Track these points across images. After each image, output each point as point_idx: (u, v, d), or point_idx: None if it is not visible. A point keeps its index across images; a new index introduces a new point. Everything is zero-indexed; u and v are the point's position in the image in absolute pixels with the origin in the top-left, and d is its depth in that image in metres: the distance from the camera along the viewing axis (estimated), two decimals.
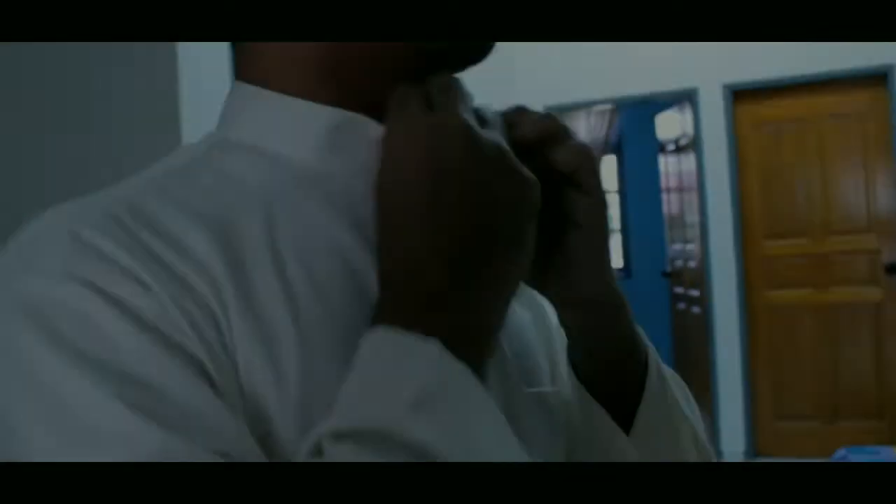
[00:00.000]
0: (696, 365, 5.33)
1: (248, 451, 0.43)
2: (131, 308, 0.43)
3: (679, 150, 5.45)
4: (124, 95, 2.78)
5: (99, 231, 0.46)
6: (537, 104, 5.34)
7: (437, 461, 0.41)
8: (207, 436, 0.41)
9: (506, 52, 0.52)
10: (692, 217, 5.25)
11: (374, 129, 0.54)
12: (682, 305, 5.65)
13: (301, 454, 0.43)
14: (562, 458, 0.61)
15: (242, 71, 0.57)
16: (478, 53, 0.55)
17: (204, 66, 2.81)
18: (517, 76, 5.23)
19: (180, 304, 0.44)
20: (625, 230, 8.08)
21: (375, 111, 0.53)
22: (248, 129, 0.55)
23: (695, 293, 5.32)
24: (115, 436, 0.41)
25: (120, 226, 0.46)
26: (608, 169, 8.00)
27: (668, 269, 5.91)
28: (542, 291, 0.61)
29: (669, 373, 0.65)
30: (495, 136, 0.50)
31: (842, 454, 3.71)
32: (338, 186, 0.54)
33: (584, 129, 7.35)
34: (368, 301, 0.50)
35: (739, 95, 5.01)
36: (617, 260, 8.13)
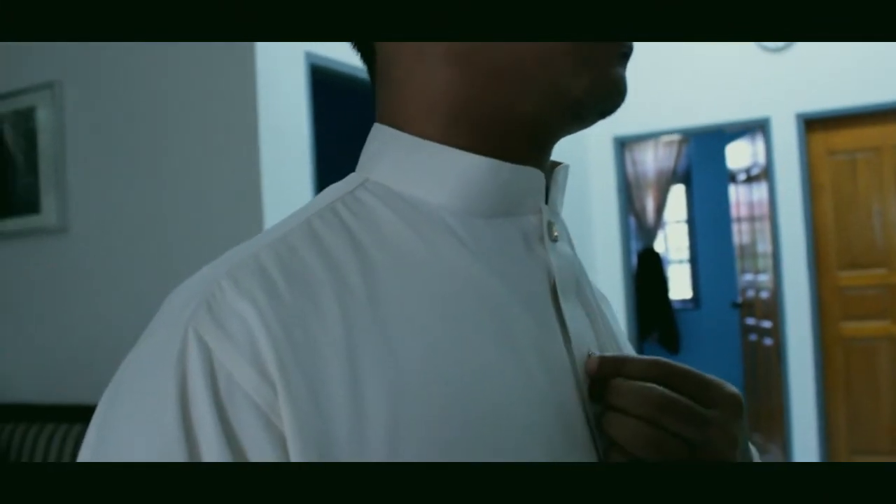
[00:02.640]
0: (768, 398, 5.23)
1: None
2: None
3: (750, 179, 5.38)
4: (202, 96, 2.84)
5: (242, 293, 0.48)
6: (607, 135, 5.34)
7: None
8: None
9: None
10: (764, 247, 5.17)
11: (538, 179, 0.57)
12: (753, 337, 5.54)
13: None
14: None
15: (382, 113, 0.59)
16: (612, 104, 0.55)
17: (281, 88, 2.86)
18: None
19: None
20: (693, 260, 7.99)
21: (510, 160, 0.55)
22: (395, 174, 0.56)
23: (767, 324, 5.22)
24: None
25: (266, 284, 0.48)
26: (677, 198, 7.92)
27: (739, 299, 5.81)
28: None
29: None
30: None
31: None
32: (493, 237, 0.54)
33: (653, 158, 7.30)
34: (518, 354, 0.51)
35: (811, 124, 4.94)
36: (685, 290, 8.03)
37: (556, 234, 0.58)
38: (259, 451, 0.44)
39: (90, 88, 3.05)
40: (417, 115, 0.56)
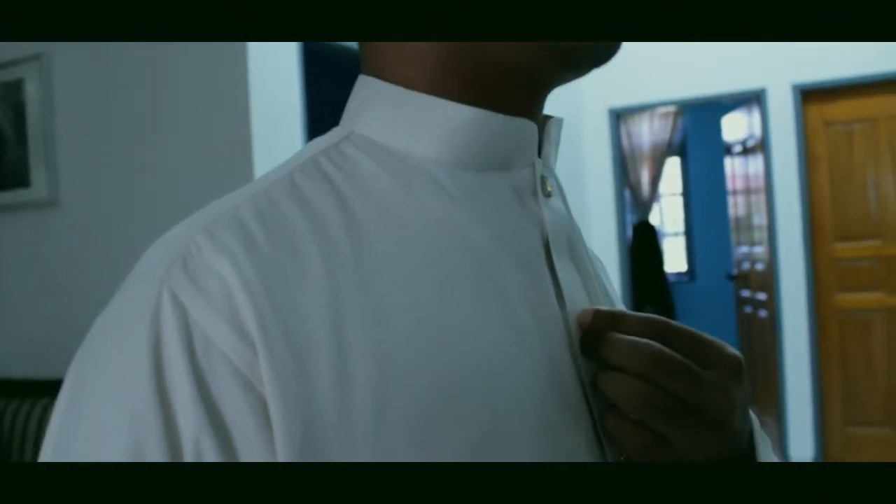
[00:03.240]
0: (763, 369, 5.24)
1: None
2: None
3: (746, 151, 5.37)
4: (199, 123, 2.82)
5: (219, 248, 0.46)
6: (602, 107, 5.32)
7: None
8: None
9: None
10: (759, 219, 5.17)
11: (531, 131, 0.55)
12: (748, 309, 5.56)
13: None
14: None
15: (368, 64, 0.57)
16: (605, 54, 0.53)
17: (272, 64, 2.83)
18: (583, 79, 5.19)
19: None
20: (689, 233, 7.99)
21: (501, 111, 0.53)
22: (380, 126, 0.54)
23: (762, 296, 5.23)
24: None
25: (244, 238, 0.46)
26: (673, 170, 7.91)
27: (734, 271, 5.81)
28: None
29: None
30: None
31: None
32: (485, 189, 0.53)
33: (648, 131, 7.28)
34: (509, 308, 0.49)
35: (808, 95, 4.92)
36: (681, 263, 8.03)
37: (549, 188, 0.56)
38: (237, 414, 0.42)
39: (79, 60, 3.02)
40: (403, 65, 0.54)
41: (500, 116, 0.53)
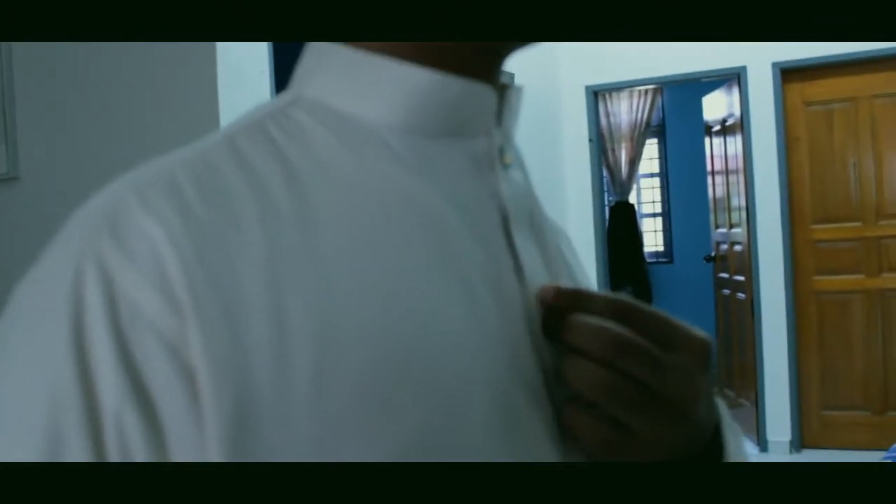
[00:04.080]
0: (741, 353, 5.25)
1: None
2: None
3: (725, 130, 5.35)
4: (163, 94, 2.77)
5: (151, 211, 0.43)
6: (580, 84, 5.29)
7: None
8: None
9: None
10: (738, 200, 5.15)
11: (489, 98, 0.52)
12: (726, 291, 5.56)
13: None
14: None
15: None
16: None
17: (243, 64, 2.79)
18: (560, 56, 5.21)
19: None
20: (667, 213, 7.98)
21: (457, 74, 0.51)
22: (330, 89, 0.52)
23: (740, 278, 5.22)
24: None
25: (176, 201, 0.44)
26: (651, 151, 7.88)
27: (713, 253, 5.81)
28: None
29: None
30: None
31: None
32: (437, 155, 0.51)
33: (627, 110, 7.23)
34: (465, 282, 0.47)
35: (788, 74, 4.90)
36: (659, 244, 8.02)
37: (508, 159, 0.54)
38: (163, 385, 0.39)
39: None
40: None
41: (459, 80, 0.50)
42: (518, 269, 0.51)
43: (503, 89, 0.55)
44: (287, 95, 0.53)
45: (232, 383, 0.40)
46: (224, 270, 0.42)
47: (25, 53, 2.99)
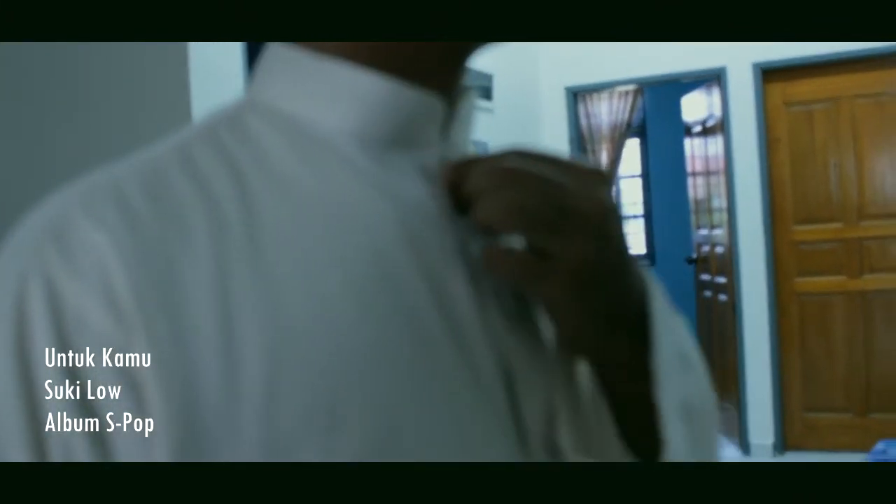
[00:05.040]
0: (723, 355, 5.24)
1: None
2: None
3: (706, 131, 5.36)
4: (135, 94, 2.74)
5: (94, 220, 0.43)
6: (559, 86, 5.30)
7: None
8: None
9: None
10: (719, 201, 5.16)
11: (435, 109, 0.52)
12: (708, 293, 5.57)
13: None
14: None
15: None
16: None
17: (215, 65, 2.79)
18: (540, 56, 5.22)
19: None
20: (648, 215, 8.00)
21: (415, 80, 0.50)
22: (285, 94, 0.51)
23: (722, 280, 5.23)
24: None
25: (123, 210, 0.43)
26: (632, 152, 7.88)
27: (694, 255, 5.81)
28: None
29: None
30: None
31: (881, 448, 3.57)
32: (390, 165, 0.50)
33: (607, 110, 7.22)
34: (404, 292, 0.47)
35: (769, 75, 4.90)
36: (640, 246, 8.03)
37: None
38: (112, 404, 0.39)
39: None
40: None
41: (410, 89, 0.51)
42: (473, 273, 0.50)
43: (464, 92, 0.55)
44: (243, 100, 0.53)
45: (179, 392, 0.40)
46: (171, 281, 0.42)
47: None
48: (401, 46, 0.50)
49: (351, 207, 0.48)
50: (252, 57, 2.97)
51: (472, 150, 0.57)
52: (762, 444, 4.91)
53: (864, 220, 4.81)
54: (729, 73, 4.93)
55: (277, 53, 0.53)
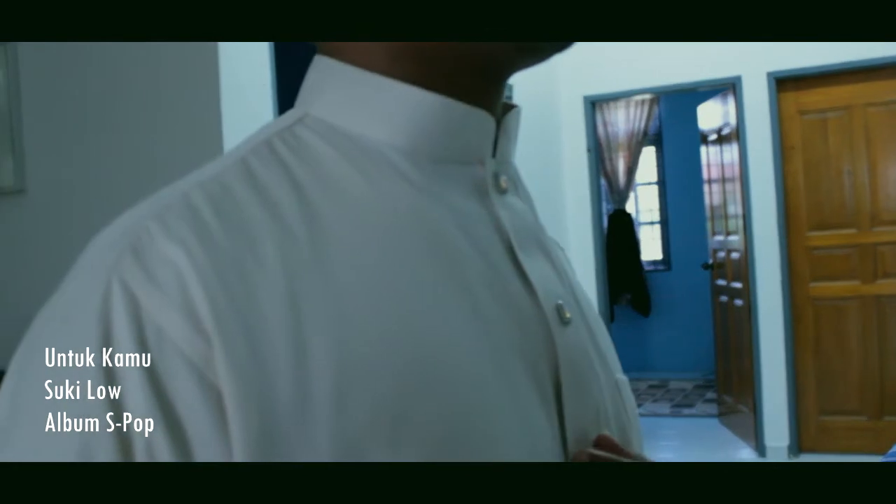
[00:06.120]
0: (739, 358, 5.26)
1: None
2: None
3: (721, 139, 5.37)
4: (168, 107, 2.79)
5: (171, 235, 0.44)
6: (577, 95, 5.30)
7: None
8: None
9: None
10: (734, 208, 5.17)
11: (488, 123, 0.53)
12: (724, 298, 5.57)
13: None
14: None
15: (324, 45, 0.55)
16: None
17: (244, 62, 2.80)
18: (558, 66, 5.22)
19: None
20: (664, 222, 8.00)
21: (459, 97, 0.51)
22: (336, 108, 0.52)
23: (737, 285, 5.24)
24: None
25: (196, 223, 0.44)
26: (648, 159, 7.91)
27: (710, 261, 5.82)
28: None
29: None
30: None
31: (895, 451, 3.61)
32: (436, 180, 0.51)
33: (623, 119, 7.27)
34: (465, 281, 0.48)
35: (783, 84, 4.92)
36: (656, 252, 8.05)
37: (503, 185, 0.54)
38: (191, 407, 0.40)
39: (45, 47, 2.97)
40: (361, 46, 0.52)
41: (461, 105, 0.51)
42: (528, 286, 0.52)
43: (504, 110, 0.56)
44: (293, 113, 0.54)
45: (256, 403, 0.40)
46: (244, 294, 0.42)
47: (32, 67, 3.00)
48: (442, 64, 0.50)
49: (409, 217, 0.49)
50: (279, 55, 3.01)
51: (515, 165, 0.58)
52: (777, 446, 4.93)
53: (877, 226, 4.83)
54: (744, 82, 4.95)
55: (327, 68, 0.53)
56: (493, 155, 0.54)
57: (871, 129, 4.81)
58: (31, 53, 3.00)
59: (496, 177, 0.54)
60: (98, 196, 2.90)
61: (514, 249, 0.53)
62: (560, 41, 0.50)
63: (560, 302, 0.53)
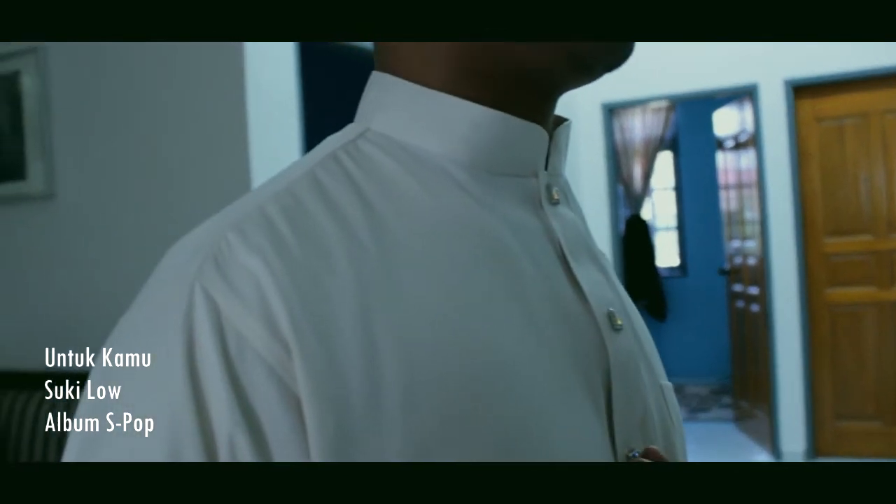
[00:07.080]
0: (755, 364, 5.27)
1: None
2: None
3: (738, 146, 5.38)
4: (196, 112, 2.82)
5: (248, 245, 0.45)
6: (595, 102, 5.32)
7: None
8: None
9: None
10: (751, 214, 5.18)
11: (542, 138, 0.55)
12: (740, 303, 5.58)
13: None
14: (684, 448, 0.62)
15: (382, 61, 0.56)
16: (618, 59, 0.53)
17: (270, 58, 2.83)
18: None
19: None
20: (681, 227, 8.00)
21: (515, 112, 0.53)
22: (396, 123, 0.54)
23: (754, 291, 5.25)
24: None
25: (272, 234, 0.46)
26: (665, 165, 7.92)
27: (727, 266, 5.83)
28: None
29: None
30: None
31: None
32: (495, 194, 0.53)
33: (640, 125, 7.30)
34: (523, 290, 0.50)
35: (800, 91, 4.93)
36: (673, 257, 8.05)
37: (555, 197, 0.56)
38: (271, 412, 0.42)
39: (75, 53, 3.01)
40: (418, 62, 0.53)
41: (518, 120, 0.53)
42: (580, 294, 0.53)
43: (555, 123, 0.58)
44: (355, 128, 0.55)
45: (332, 410, 0.42)
46: (319, 303, 0.44)
47: (62, 72, 3.03)
48: (499, 80, 0.52)
49: (469, 227, 0.50)
50: (304, 54, 3.00)
51: (566, 177, 0.60)
52: (793, 450, 4.93)
53: (894, 233, 4.84)
54: (761, 89, 4.96)
55: (388, 85, 0.55)
56: (546, 167, 0.56)
57: (888, 136, 4.82)
58: (61, 59, 3.04)
59: (549, 188, 0.56)
60: (126, 200, 2.94)
61: (567, 258, 0.54)
62: (611, 41, 0.52)
63: (611, 309, 0.54)
